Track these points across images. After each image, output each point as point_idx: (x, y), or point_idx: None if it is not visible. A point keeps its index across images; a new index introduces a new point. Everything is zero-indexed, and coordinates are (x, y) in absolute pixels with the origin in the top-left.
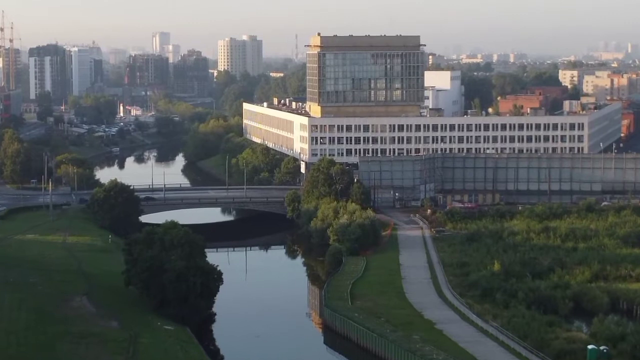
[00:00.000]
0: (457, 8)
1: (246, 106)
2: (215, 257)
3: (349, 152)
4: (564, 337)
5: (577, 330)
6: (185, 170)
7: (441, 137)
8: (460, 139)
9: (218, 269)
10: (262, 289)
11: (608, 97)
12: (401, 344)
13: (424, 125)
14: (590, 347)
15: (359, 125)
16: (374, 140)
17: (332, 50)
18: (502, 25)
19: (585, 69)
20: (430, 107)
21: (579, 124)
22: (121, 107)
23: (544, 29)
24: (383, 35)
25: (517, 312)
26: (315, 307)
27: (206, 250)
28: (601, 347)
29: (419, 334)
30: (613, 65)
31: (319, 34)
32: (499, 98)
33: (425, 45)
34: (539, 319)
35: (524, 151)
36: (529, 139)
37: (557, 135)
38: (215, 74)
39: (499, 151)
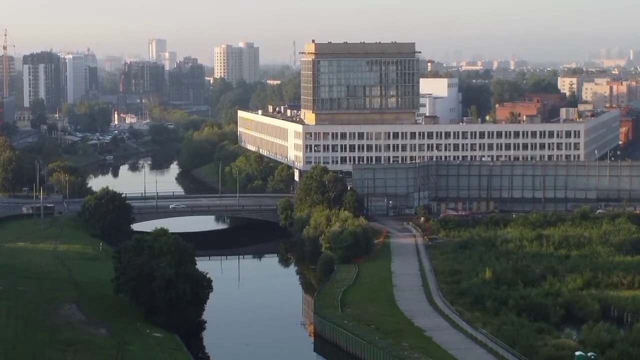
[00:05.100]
0: (457, 14)
1: (241, 114)
2: (207, 265)
3: (343, 159)
4: (552, 344)
5: (567, 337)
6: (179, 178)
7: (436, 144)
8: (456, 147)
9: (208, 276)
10: (253, 297)
11: (607, 105)
12: (390, 351)
13: (419, 133)
14: (577, 353)
15: (354, 133)
16: (369, 147)
17: (327, 57)
18: (503, 32)
19: (585, 76)
20: (427, 114)
21: (575, 131)
22: (116, 115)
23: (545, 35)
24: (378, 42)
25: (507, 319)
26: (307, 315)
27: (198, 258)
28: (589, 354)
29: (408, 341)
30: (614, 72)
31: (313, 41)
32: (496, 105)
33: (420, 52)
34: (528, 326)
35: (520, 159)
36: (525, 146)
37: (553, 143)
38: (211, 81)
39: (494, 159)
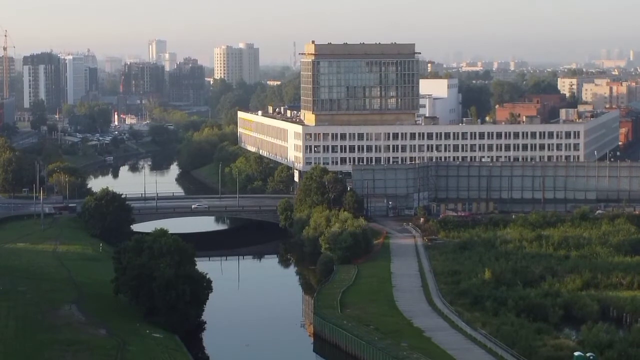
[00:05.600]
0: (458, 15)
1: (241, 114)
2: (207, 266)
3: (343, 160)
4: (551, 344)
5: (566, 337)
6: (179, 179)
7: (436, 145)
8: (456, 147)
9: (207, 277)
10: (253, 297)
11: (607, 105)
12: (389, 352)
13: (419, 134)
14: (576, 353)
15: (353, 134)
16: (369, 148)
17: (327, 58)
18: (503, 33)
19: (585, 77)
20: (427, 115)
21: (574, 132)
22: (116, 116)
23: (545, 36)
24: (378, 43)
25: (506, 319)
26: (306, 316)
27: (198, 259)
28: (588, 354)
29: (407, 342)
30: (614, 73)
31: (313, 42)
32: (496, 106)
33: (420, 53)
34: (527, 326)
35: (520, 159)
36: (525, 147)
37: (552, 144)
38: (211, 82)
39: (494, 159)
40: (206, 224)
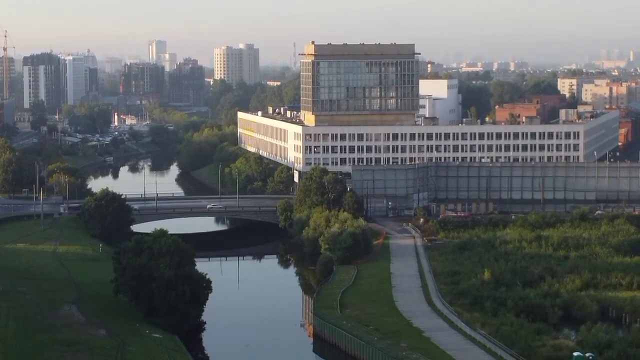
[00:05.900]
0: (458, 15)
1: (241, 115)
2: (207, 266)
3: (343, 161)
4: (551, 344)
5: (565, 338)
6: (179, 180)
7: (436, 145)
8: (455, 148)
9: (207, 277)
10: (253, 298)
11: (607, 106)
12: (389, 352)
13: (419, 134)
14: (575, 354)
15: (353, 134)
16: (369, 149)
17: (327, 59)
18: (503, 33)
19: (585, 78)
20: (427, 115)
21: (574, 132)
22: (116, 116)
23: (545, 36)
24: (377, 43)
25: (505, 320)
26: (306, 316)
27: (198, 259)
28: (587, 354)
29: (407, 342)
30: (613, 73)
31: (313, 42)
32: (496, 106)
33: (420, 53)
34: (526, 326)
35: (520, 160)
36: (524, 147)
37: (552, 144)
38: (211, 83)
39: (494, 160)
40: (206, 224)
